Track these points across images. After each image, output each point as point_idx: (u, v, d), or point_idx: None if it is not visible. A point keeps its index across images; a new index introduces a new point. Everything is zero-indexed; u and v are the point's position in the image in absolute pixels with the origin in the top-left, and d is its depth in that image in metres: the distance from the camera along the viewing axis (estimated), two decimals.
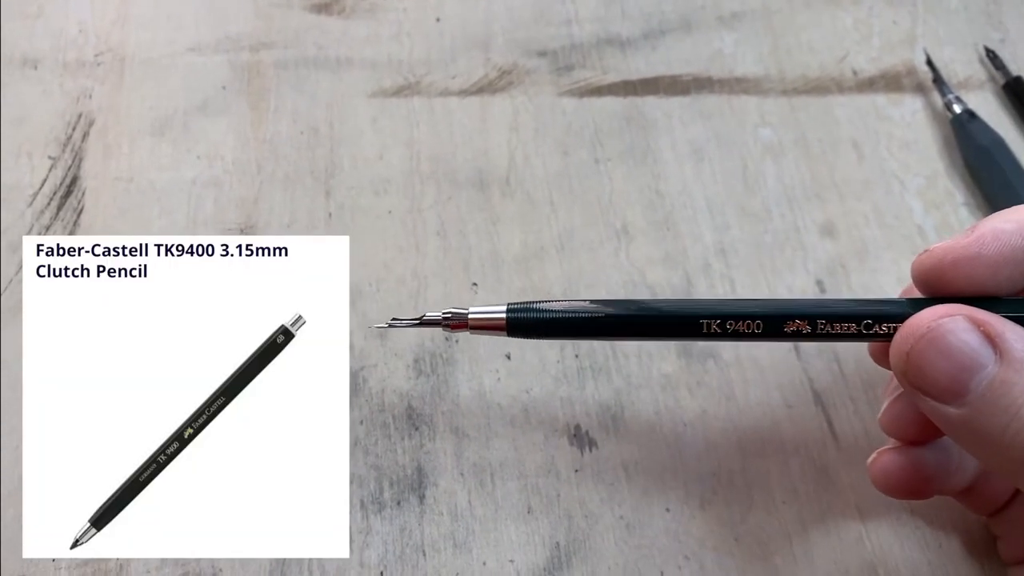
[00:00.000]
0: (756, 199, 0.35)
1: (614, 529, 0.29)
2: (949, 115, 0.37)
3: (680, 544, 0.29)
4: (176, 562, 0.28)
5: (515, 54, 0.38)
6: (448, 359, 0.32)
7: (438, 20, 0.39)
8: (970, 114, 0.37)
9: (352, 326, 0.32)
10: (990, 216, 0.23)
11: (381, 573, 0.28)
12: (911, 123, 0.38)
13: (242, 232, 0.33)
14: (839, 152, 0.37)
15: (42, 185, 0.34)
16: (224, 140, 0.35)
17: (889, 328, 0.23)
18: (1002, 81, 0.39)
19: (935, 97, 0.38)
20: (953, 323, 0.21)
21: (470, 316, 0.26)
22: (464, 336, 0.32)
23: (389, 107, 0.37)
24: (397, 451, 0.30)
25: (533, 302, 0.25)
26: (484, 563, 0.28)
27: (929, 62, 0.39)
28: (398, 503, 0.29)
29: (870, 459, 0.26)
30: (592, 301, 0.25)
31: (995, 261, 0.22)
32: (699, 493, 0.30)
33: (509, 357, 0.32)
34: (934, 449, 0.26)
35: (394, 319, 0.27)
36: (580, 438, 0.31)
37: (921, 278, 0.23)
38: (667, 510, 0.30)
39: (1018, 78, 0.38)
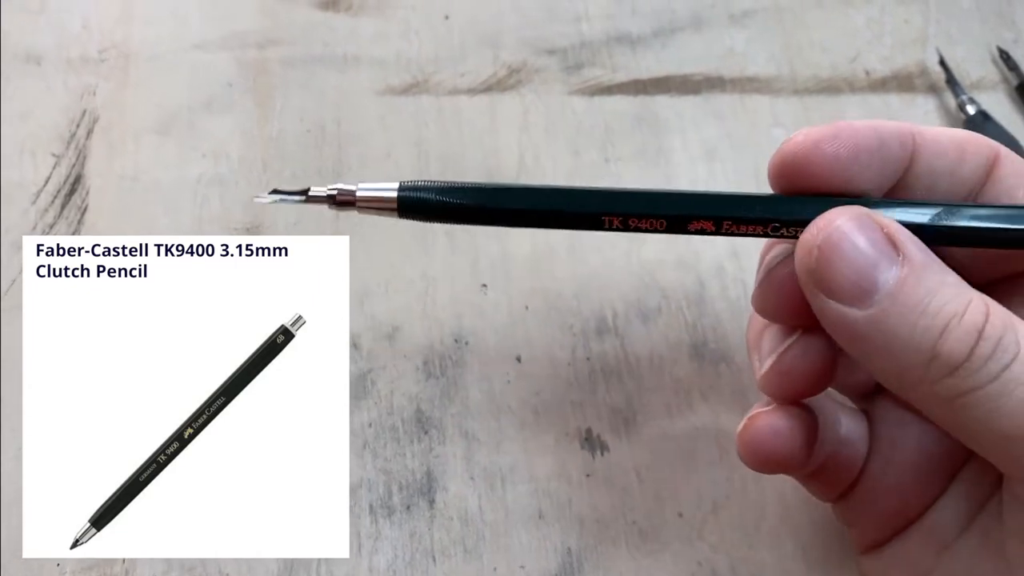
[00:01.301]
0: None
1: (626, 535, 0.29)
2: (963, 116, 0.37)
3: (693, 550, 0.29)
4: (182, 563, 0.28)
5: (524, 52, 0.38)
6: (457, 361, 0.31)
7: (447, 18, 0.38)
8: (984, 115, 0.36)
9: (360, 328, 0.31)
10: None
11: None
12: (924, 124, 0.37)
13: (248, 232, 0.33)
14: None
15: (46, 183, 0.34)
16: (230, 138, 0.35)
17: (795, 232, 0.22)
18: (1015, 82, 0.38)
19: (948, 98, 0.38)
20: (856, 223, 0.20)
21: (358, 193, 0.24)
22: (473, 339, 0.32)
23: (397, 105, 0.36)
24: (406, 455, 0.30)
25: (427, 181, 0.24)
26: (495, 569, 0.28)
27: (942, 62, 0.38)
28: (407, 508, 0.29)
29: (739, 427, 0.25)
30: (490, 184, 0.24)
31: (854, 143, 0.22)
32: (712, 498, 0.30)
33: (519, 359, 0.31)
34: (807, 412, 0.25)
35: (274, 190, 0.25)
36: (592, 442, 0.30)
37: (780, 169, 0.23)
38: (680, 515, 0.29)
39: None
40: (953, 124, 0.37)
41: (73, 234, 0.33)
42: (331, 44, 0.37)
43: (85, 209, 0.33)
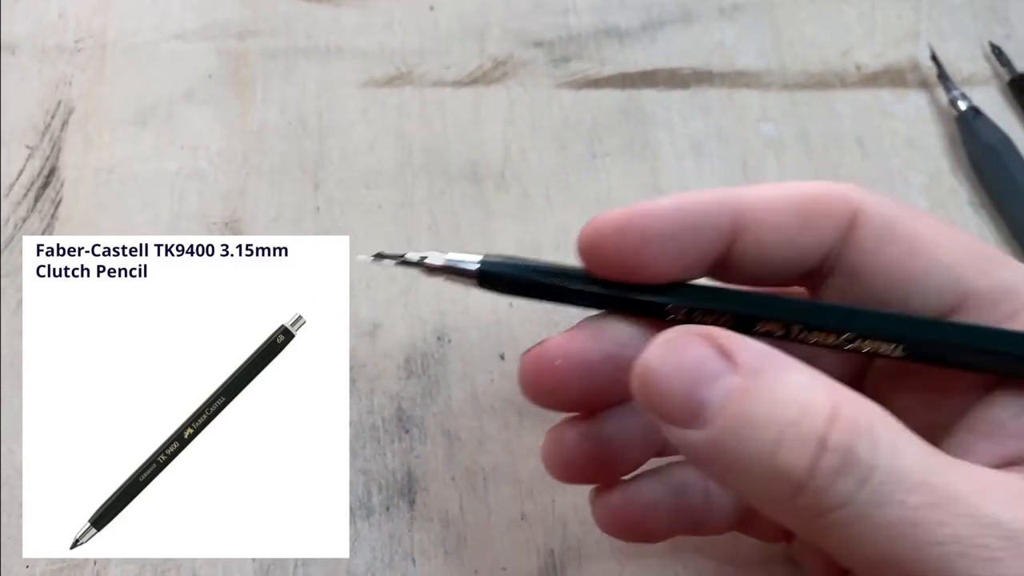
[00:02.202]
0: None
1: (610, 537, 0.28)
2: (954, 112, 0.36)
3: (677, 552, 0.28)
4: (155, 563, 0.27)
5: (511, 44, 0.37)
6: (440, 359, 0.31)
7: (432, 8, 0.38)
8: (975, 111, 0.36)
9: None
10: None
11: None
12: (915, 119, 0.37)
13: (227, 226, 0.32)
14: (842, 148, 0.36)
15: (19, 176, 0.33)
16: (209, 131, 0.34)
17: (874, 348, 0.21)
18: (1007, 78, 0.38)
19: (939, 93, 0.38)
20: (680, 336, 0.19)
21: (446, 261, 0.24)
22: (456, 336, 0.31)
23: (380, 98, 0.36)
24: (386, 455, 0.29)
25: (511, 258, 0.24)
26: (476, 571, 0.28)
27: (934, 57, 0.38)
28: (387, 509, 0.28)
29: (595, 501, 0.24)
30: (567, 267, 0.24)
31: (641, 234, 0.21)
32: None
33: (503, 357, 0.31)
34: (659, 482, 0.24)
35: (379, 254, 0.25)
36: None
37: (584, 251, 0.22)
38: None
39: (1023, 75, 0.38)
40: (945, 119, 0.37)
41: (46, 229, 0.32)
42: (313, 35, 0.37)
43: (59, 203, 0.32)
